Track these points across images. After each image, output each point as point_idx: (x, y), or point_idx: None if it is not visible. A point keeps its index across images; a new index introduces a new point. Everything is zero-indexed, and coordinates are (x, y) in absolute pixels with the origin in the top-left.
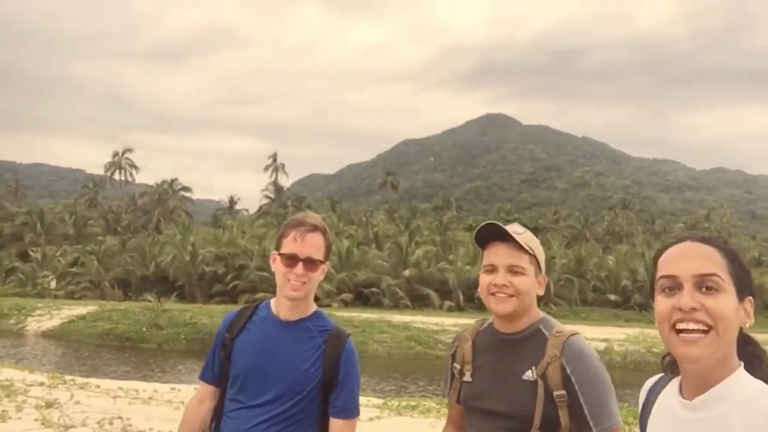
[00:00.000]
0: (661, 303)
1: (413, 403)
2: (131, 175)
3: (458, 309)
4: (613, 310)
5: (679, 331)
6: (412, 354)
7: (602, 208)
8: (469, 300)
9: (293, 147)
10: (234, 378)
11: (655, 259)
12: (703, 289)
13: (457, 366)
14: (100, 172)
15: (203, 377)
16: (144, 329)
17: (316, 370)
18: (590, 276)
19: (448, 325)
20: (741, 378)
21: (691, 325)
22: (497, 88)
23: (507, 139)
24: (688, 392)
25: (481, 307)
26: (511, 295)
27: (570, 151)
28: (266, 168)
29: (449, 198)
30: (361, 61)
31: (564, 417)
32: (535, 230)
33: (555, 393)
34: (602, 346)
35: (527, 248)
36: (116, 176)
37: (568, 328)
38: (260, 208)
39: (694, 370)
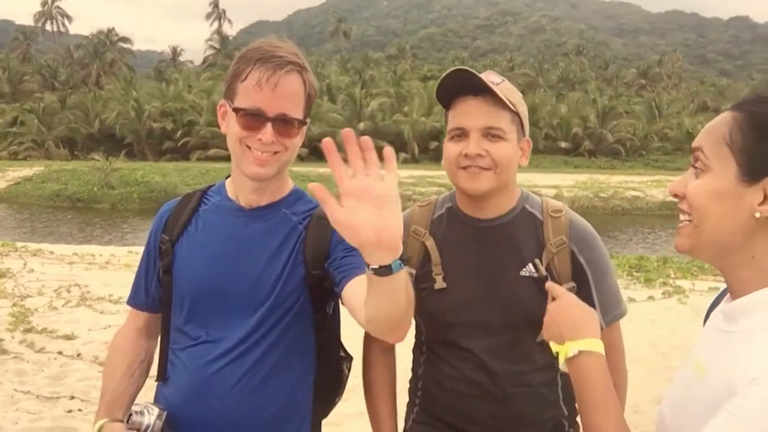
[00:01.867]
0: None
1: None
2: (64, 25)
3: (413, 161)
4: (563, 157)
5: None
6: None
7: (557, 54)
8: (424, 152)
9: None
10: (180, 300)
11: None
12: (695, 168)
13: (411, 270)
14: (30, 22)
15: (134, 302)
16: (95, 189)
17: (297, 267)
18: (543, 124)
19: (404, 177)
20: None
21: (681, 217)
22: None
23: None
24: (731, 297)
25: (436, 159)
26: (487, 168)
27: None
28: (208, 16)
29: (404, 46)
30: None
31: None
32: None
33: (564, 286)
34: (552, 192)
35: (509, 104)
36: (48, 27)
37: (556, 202)
38: (205, 59)
39: (721, 270)
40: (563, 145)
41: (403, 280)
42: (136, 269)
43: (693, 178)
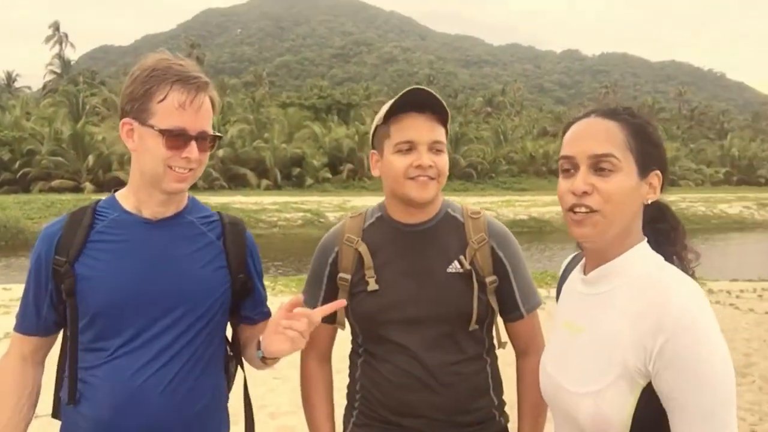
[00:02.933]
0: (560, 185)
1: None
2: None
3: (276, 188)
4: None
5: (573, 212)
6: None
7: (409, 83)
8: (287, 178)
9: (78, 15)
10: (90, 319)
11: (562, 134)
12: (599, 170)
13: (346, 276)
14: None
15: (23, 328)
16: None
17: (223, 276)
18: None
19: (268, 204)
20: (637, 254)
21: (583, 209)
22: None
23: (316, 11)
24: (589, 268)
25: (299, 185)
26: (433, 178)
27: (379, 25)
28: (48, 39)
29: (261, 73)
30: None
31: (494, 303)
32: (349, 106)
33: (487, 280)
34: None
35: (447, 120)
36: None
37: (474, 207)
38: (45, 85)
39: (591, 247)
40: None
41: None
42: None
43: (594, 177)
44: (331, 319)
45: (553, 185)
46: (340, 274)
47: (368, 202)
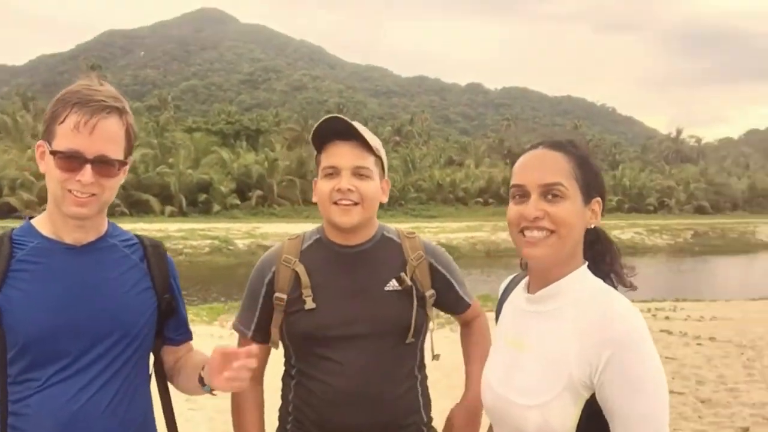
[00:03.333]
0: (511, 210)
1: None
2: None
3: (182, 214)
4: None
5: (524, 234)
6: None
7: (320, 111)
8: (193, 204)
9: None
10: (19, 349)
11: (513, 165)
12: (549, 197)
13: (282, 296)
14: None
15: None
16: None
17: (149, 297)
18: (310, 176)
19: (173, 231)
20: (580, 276)
21: (535, 233)
22: None
23: (224, 37)
24: (533, 287)
25: (206, 211)
26: (356, 203)
27: (289, 53)
28: None
29: (165, 97)
30: None
31: (431, 312)
32: (258, 132)
33: (427, 293)
34: None
35: (374, 148)
36: None
37: (408, 229)
38: None
39: (539, 267)
40: None
41: None
42: None
43: (545, 204)
44: (264, 339)
45: (460, 212)
46: (276, 294)
47: (278, 229)
